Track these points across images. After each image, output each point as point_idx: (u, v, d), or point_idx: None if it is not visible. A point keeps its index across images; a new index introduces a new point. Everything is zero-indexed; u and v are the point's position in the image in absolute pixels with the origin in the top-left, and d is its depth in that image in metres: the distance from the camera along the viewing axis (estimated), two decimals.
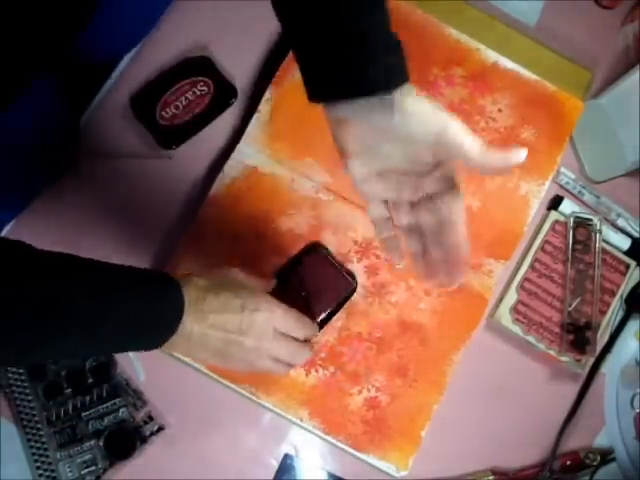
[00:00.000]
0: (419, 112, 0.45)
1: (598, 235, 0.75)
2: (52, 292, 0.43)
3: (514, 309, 0.73)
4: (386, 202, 0.52)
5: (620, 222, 0.77)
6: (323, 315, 0.68)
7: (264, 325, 0.55)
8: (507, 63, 0.75)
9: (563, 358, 0.73)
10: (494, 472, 0.72)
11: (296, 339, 0.59)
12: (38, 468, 0.66)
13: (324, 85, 0.45)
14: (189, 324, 0.52)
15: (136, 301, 0.48)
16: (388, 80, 0.43)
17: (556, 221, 0.75)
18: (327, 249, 0.70)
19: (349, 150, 0.48)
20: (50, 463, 0.66)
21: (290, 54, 0.72)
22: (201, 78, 0.73)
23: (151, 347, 0.51)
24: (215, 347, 0.54)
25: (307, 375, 0.69)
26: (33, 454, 0.66)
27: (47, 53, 0.60)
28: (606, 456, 0.73)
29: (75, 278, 0.45)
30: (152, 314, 0.49)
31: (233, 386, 0.68)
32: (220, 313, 0.53)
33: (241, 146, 0.71)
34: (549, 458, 0.72)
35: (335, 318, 0.69)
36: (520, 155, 0.45)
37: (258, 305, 0.55)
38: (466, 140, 0.45)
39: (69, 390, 0.68)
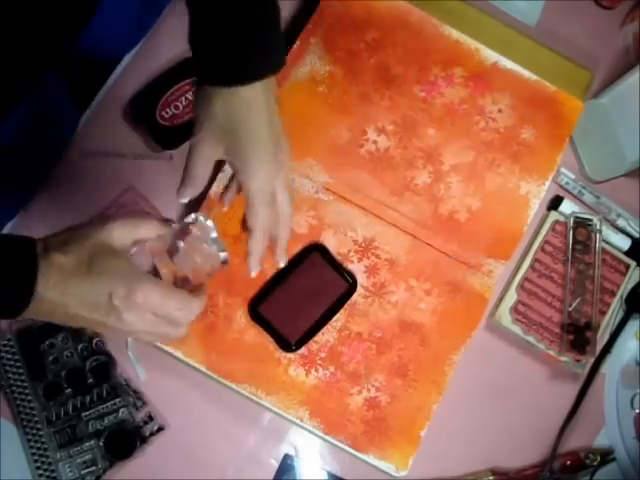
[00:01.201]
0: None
1: (598, 235, 0.75)
2: None
3: (514, 309, 0.73)
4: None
5: (620, 222, 0.77)
6: (322, 315, 0.68)
7: (138, 312, 0.48)
8: (507, 63, 0.75)
9: (563, 358, 0.73)
10: (494, 472, 0.72)
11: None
12: (38, 468, 0.66)
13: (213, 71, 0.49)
14: (47, 304, 0.46)
15: None
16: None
17: (556, 221, 0.75)
18: (327, 249, 0.70)
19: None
20: (50, 463, 0.66)
21: (290, 54, 0.72)
22: None
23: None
24: (81, 325, 0.49)
25: (307, 375, 0.69)
26: (33, 454, 0.66)
27: (47, 56, 0.60)
28: (606, 456, 0.73)
29: None
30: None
31: (233, 386, 0.68)
32: (85, 302, 0.47)
33: None
34: (549, 458, 0.72)
35: (335, 318, 0.69)
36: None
37: (129, 290, 0.47)
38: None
39: (69, 390, 0.68)
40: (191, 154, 0.53)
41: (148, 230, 0.52)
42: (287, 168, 0.54)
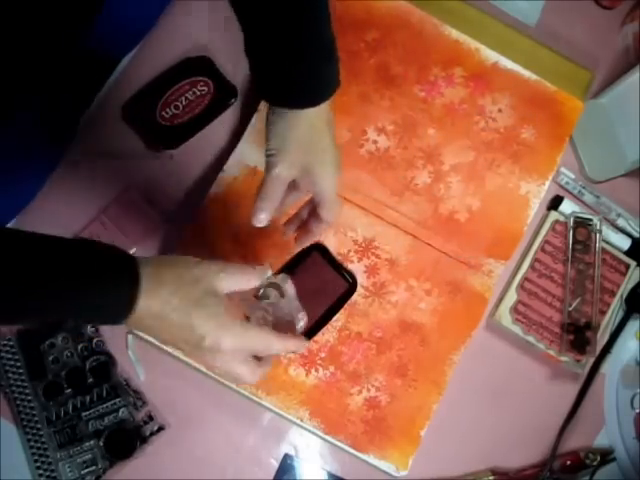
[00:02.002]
0: None
1: (598, 235, 0.75)
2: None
3: (514, 309, 0.73)
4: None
5: (620, 222, 0.77)
6: (322, 315, 0.68)
7: (222, 358, 0.50)
8: (507, 63, 0.75)
9: (563, 358, 0.73)
10: (494, 472, 0.72)
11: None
12: (38, 468, 0.66)
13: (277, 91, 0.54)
14: (142, 326, 0.49)
15: (86, 299, 0.46)
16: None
17: (556, 221, 0.75)
18: (327, 249, 0.70)
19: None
20: (50, 463, 0.66)
21: None
22: (201, 78, 0.73)
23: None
24: (168, 345, 0.52)
25: (307, 375, 0.69)
26: (33, 454, 0.66)
27: (53, 55, 0.59)
28: (606, 456, 0.73)
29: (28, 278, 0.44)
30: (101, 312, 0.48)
31: (233, 386, 0.68)
32: (176, 336, 0.49)
33: (241, 146, 0.71)
34: (549, 458, 0.72)
35: (335, 318, 0.69)
36: None
37: (220, 337, 0.49)
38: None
39: (69, 390, 0.68)
40: (268, 178, 0.55)
41: (250, 282, 0.53)
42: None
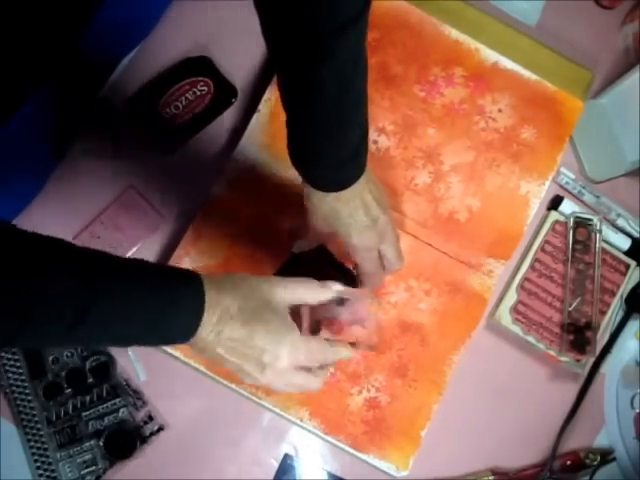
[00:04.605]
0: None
1: (598, 235, 0.75)
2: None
3: (514, 309, 0.73)
4: None
5: (620, 222, 0.77)
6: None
7: (281, 371, 0.51)
8: (507, 63, 0.75)
9: (563, 358, 0.73)
10: (494, 472, 0.72)
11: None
12: (38, 468, 0.66)
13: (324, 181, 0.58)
14: (201, 341, 0.49)
15: (153, 311, 0.46)
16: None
17: (556, 221, 0.75)
18: (327, 249, 0.70)
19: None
20: (50, 463, 0.66)
21: None
22: (201, 78, 0.73)
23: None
24: (221, 365, 0.51)
25: None
26: (33, 454, 0.66)
27: (52, 54, 0.59)
28: (606, 456, 0.73)
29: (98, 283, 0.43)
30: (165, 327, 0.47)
31: (233, 386, 0.68)
32: (236, 350, 0.49)
33: (241, 146, 0.71)
34: (549, 458, 0.72)
35: None
36: None
37: (279, 351, 0.50)
38: None
39: (69, 390, 0.68)
40: (308, 228, 0.62)
41: (308, 294, 0.54)
42: (390, 231, 0.61)
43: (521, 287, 0.74)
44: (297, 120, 0.57)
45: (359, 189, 0.58)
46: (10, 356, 0.68)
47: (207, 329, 0.48)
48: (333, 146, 0.56)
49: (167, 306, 0.46)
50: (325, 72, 0.50)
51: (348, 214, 0.58)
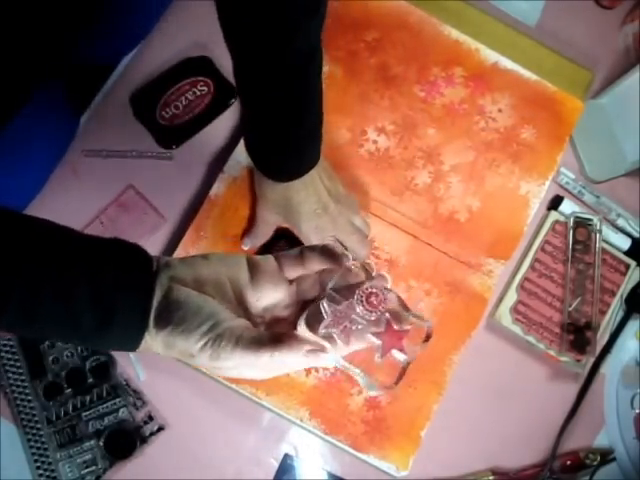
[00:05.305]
0: None
1: (598, 235, 0.75)
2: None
3: (514, 309, 0.73)
4: None
5: (620, 222, 0.77)
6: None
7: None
8: (507, 63, 0.75)
9: (563, 358, 0.73)
10: (494, 472, 0.72)
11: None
12: (38, 468, 0.66)
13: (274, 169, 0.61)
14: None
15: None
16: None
17: (556, 221, 0.75)
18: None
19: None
20: (50, 463, 0.66)
21: None
22: (201, 78, 0.73)
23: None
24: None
25: (307, 375, 0.69)
26: (33, 454, 0.66)
27: (52, 54, 0.59)
28: (606, 456, 0.73)
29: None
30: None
31: (233, 386, 0.68)
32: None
33: (241, 146, 0.71)
34: (549, 458, 0.72)
35: None
36: None
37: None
38: None
39: (69, 390, 0.68)
40: (256, 218, 0.66)
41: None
42: (343, 220, 0.63)
43: (521, 287, 0.74)
44: (250, 112, 0.58)
45: (309, 179, 0.60)
46: (10, 356, 0.68)
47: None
48: (285, 138, 0.57)
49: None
50: (279, 83, 0.54)
51: (297, 202, 0.60)
